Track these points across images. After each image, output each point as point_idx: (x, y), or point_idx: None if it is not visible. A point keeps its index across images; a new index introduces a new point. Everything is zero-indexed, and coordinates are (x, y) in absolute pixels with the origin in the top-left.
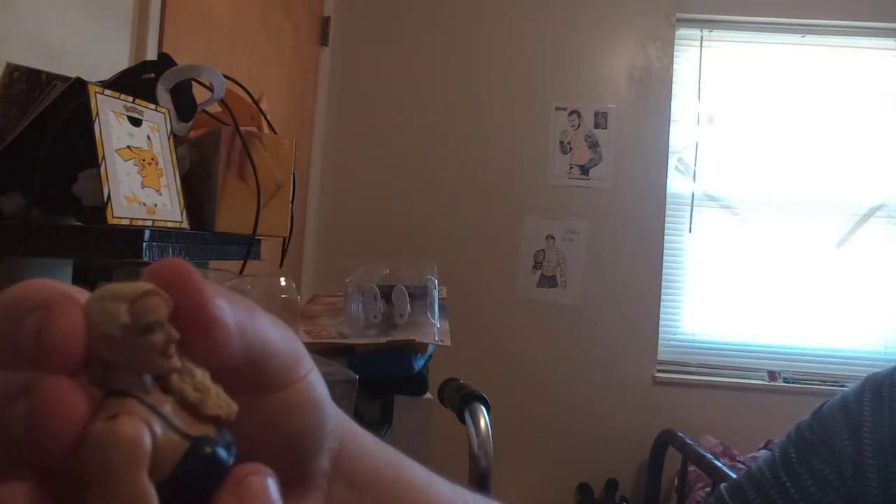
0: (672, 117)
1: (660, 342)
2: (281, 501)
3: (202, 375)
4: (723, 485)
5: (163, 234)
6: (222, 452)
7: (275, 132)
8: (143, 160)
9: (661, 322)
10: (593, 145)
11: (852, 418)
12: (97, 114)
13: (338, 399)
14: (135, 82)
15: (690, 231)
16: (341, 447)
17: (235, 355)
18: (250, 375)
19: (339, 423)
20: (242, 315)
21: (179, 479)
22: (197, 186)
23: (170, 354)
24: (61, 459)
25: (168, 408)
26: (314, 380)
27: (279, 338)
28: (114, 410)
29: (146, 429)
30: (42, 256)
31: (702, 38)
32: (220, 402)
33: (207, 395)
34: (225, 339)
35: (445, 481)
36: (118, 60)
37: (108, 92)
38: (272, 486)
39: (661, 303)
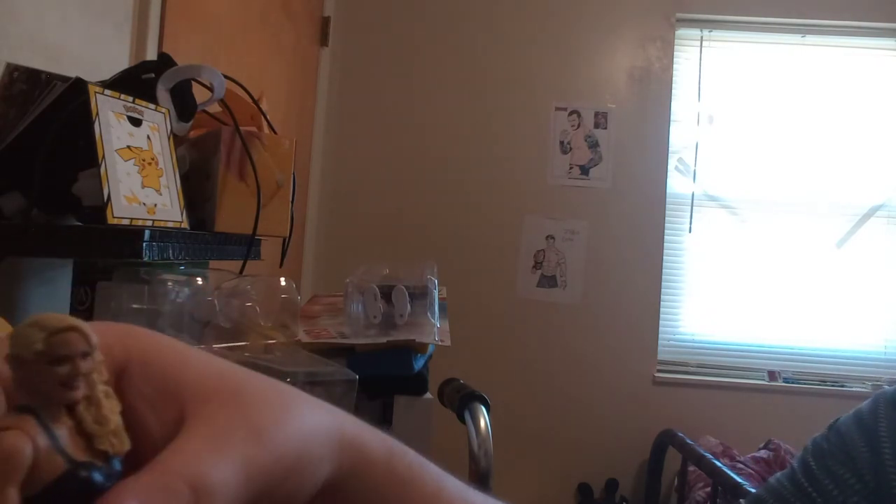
0: (672, 117)
1: (660, 342)
2: None
3: (109, 408)
4: (742, 500)
5: (163, 234)
6: (98, 478)
7: (275, 132)
8: (143, 160)
9: (661, 322)
10: (593, 145)
11: (868, 430)
12: (97, 114)
13: (338, 399)
14: (135, 82)
15: (690, 231)
16: (339, 485)
17: None
18: None
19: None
20: None
21: (50, 497)
22: (197, 186)
23: (74, 387)
24: None
25: (64, 431)
26: (309, 475)
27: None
28: (6, 424)
29: (29, 445)
30: (42, 256)
31: (702, 38)
32: (114, 439)
33: (104, 429)
34: None
35: (456, 489)
36: (118, 60)
37: (108, 92)
38: None
39: (661, 303)
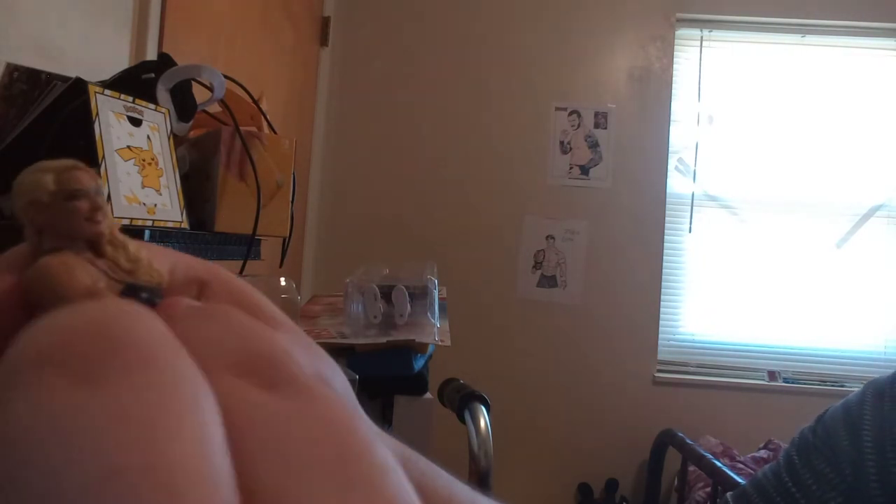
0: (672, 117)
1: (660, 342)
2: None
3: (135, 249)
4: (729, 493)
5: (163, 234)
6: (155, 298)
7: (275, 132)
8: (143, 160)
9: (661, 322)
10: (593, 145)
11: (853, 420)
12: (97, 114)
13: None
14: (135, 82)
15: (690, 231)
16: None
17: None
18: None
19: None
20: None
21: None
22: (197, 186)
23: (97, 220)
24: None
25: (102, 265)
26: None
27: None
28: (47, 255)
29: (80, 261)
30: None
31: (702, 38)
32: (152, 272)
33: (139, 266)
34: None
35: (466, 497)
36: (118, 60)
37: (108, 92)
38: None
39: (661, 303)
